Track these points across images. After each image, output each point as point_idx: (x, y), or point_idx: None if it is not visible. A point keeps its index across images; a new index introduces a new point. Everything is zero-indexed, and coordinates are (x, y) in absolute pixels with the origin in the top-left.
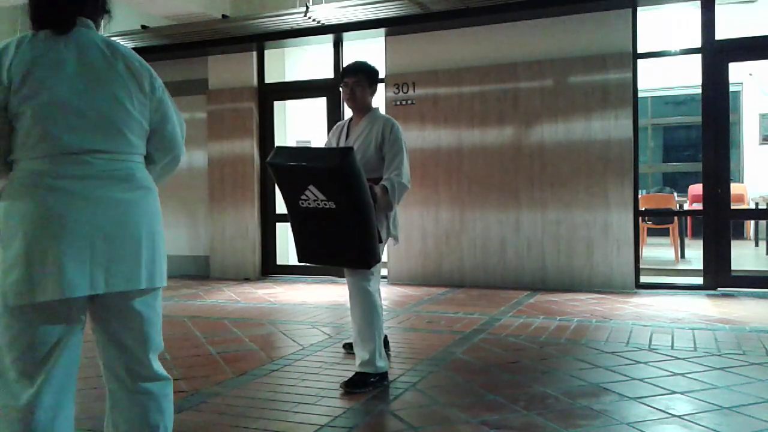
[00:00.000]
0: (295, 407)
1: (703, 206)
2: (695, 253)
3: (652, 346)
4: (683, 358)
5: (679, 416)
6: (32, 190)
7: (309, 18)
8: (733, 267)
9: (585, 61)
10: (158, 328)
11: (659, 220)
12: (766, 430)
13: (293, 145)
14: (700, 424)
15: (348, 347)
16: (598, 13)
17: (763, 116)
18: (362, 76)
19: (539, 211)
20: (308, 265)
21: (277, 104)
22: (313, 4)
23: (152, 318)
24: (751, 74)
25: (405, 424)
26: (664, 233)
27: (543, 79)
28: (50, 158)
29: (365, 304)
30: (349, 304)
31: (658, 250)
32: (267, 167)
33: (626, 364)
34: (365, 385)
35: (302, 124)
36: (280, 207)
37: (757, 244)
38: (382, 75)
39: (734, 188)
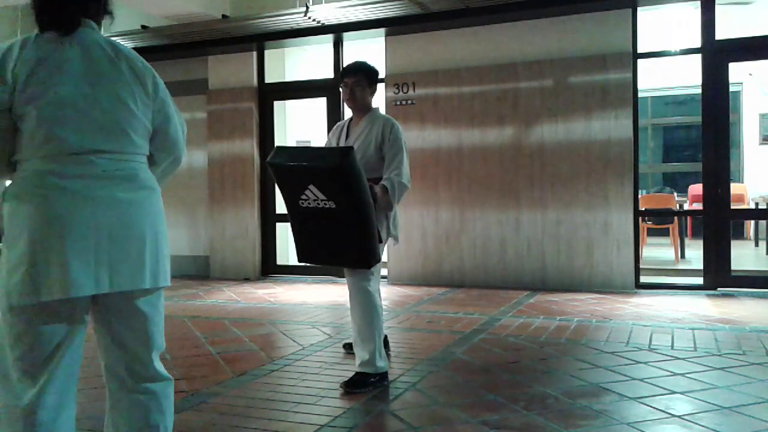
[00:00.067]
0: (295, 407)
1: (703, 206)
2: (695, 253)
3: (652, 346)
4: (683, 358)
5: (679, 416)
6: (37, 190)
7: (309, 18)
8: (733, 267)
9: (585, 61)
10: (160, 328)
11: (659, 220)
12: (766, 430)
13: (293, 145)
14: (700, 424)
15: (348, 347)
16: (598, 13)
17: (763, 116)
18: (362, 76)
19: (539, 211)
20: (308, 265)
21: (277, 104)
22: (313, 4)
23: (155, 318)
24: (751, 74)
25: (405, 424)
26: (664, 233)
27: (543, 79)
28: (55, 158)
29: (365, 304)
30: (349, 304)
31: (658, 250)
32: (267, 167)
33: (626, 364)
34: (365, 385)
35: (302, 124)
36: (280, 207)
37: (757, 244)
38: (382, 75)
39: (734, 188)
